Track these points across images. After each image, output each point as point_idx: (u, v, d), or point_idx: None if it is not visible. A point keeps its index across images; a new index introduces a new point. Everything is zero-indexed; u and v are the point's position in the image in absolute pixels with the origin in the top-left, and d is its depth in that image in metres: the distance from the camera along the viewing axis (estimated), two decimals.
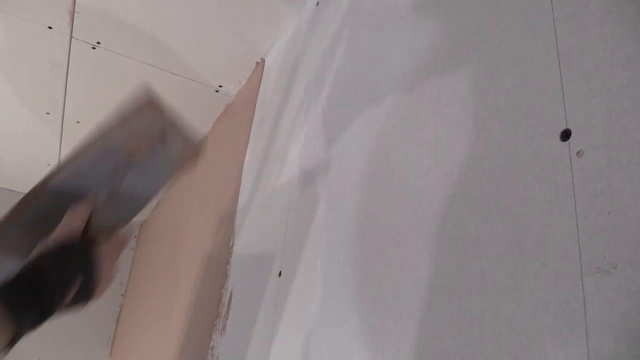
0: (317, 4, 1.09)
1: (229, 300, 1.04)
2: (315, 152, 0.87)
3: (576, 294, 0.38)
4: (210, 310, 1.12)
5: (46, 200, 0.58)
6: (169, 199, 1.99)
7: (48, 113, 1.63)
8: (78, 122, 1.66)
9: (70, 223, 0.59)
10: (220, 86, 1.45)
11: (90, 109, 1.58)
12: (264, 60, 1.33)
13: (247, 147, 1.24)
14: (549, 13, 0.49)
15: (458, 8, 0.62)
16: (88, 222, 0.59)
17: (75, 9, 1.23)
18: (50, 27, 1.28)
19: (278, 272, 0.85)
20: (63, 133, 1.72)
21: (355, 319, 0.61)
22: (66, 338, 2.11)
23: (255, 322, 0.88)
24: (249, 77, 1.40)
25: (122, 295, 2.25)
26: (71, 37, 1.31)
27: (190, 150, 0.61)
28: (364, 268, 0.63)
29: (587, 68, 0.43)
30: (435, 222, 0.54)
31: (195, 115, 1.58)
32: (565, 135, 0.43)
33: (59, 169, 0.58)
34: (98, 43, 1.33)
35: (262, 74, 1.32)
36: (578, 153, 0.42)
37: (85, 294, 0.59)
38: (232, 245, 1.13)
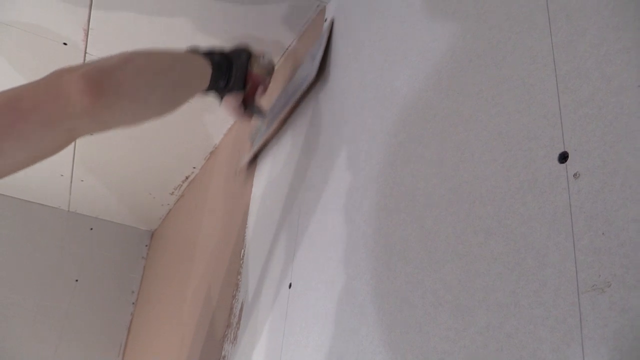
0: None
1: (240, 311, 1.06)
2: (324, 169, 0.89)
3: (573, 311, 0.40)
4: (221, 319, 1.15)
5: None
6: (180, 209, 2.02)
7: None
8: (91, 134, 1.69)
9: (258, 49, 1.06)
10: None
11: None
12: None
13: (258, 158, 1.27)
14: (548, 39, 0.51)
15: (462, 31, 0.64)
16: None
17: (90, 26, 1.26)
18: (65, 44, 1.32)
19: (288, 284, 0.87)
20: (76, 146, 1.75)
21: (364, 333, 0.64)
22: (78, 347, 2.14)
23: (266, 333, 0.90)
24: None
25: (133, 303, 2.28)
26: (85, 52, 1.35)
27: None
28: (372, 283, 0.66)
29: (583, 94, 0.46)
30: (440, 238, 0.57)
31: (206, 126, 1.62)
32: (563, 157, 0.46)
33: None
34: None
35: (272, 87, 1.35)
36: (575, 175, 0.44)
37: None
38: (243, 256, 1.16)
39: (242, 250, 1.17)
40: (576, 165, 0.44)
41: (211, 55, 0.95)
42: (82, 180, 1.99)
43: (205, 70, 0.92)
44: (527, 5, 0.55)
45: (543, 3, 0.53)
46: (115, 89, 0.75)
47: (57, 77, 0.73)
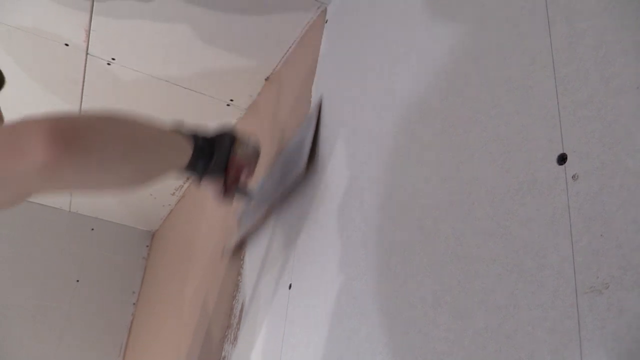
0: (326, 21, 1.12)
1: (240, 311, 1.07)
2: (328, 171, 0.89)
3: (571, 312, 0.40)
4: (221, 320, 1.15)
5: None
6: (181, 210, 2.02)
7: None
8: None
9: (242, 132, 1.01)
10: (232, 100, 1.48)
11: None
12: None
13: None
14: (548, 41, 0.51)
15: (462, 34, 0.64)
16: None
17: (92, 27, 1.27)
18: (66, 44, 1.32)
19: (288, 285, 0.87)
20: None
21: (364, 333, 0.64)
22: (78, 347, 2.14)
23: (266, 334, 0.90)
24: (259, 91, 1.43)
25: (134, 304, 2.28)
26: (87, 53, 1.35)
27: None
28: (372, 283, 0.66)
29: (582, 96, 0.46)
30: (439, 240, 0.57)
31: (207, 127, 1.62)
32: (562, 159, 0.46)
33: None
34: (113, 59, 1.37)
35: (272, 89, 1.35)
36: (574, 177, 0.44)
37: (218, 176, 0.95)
38: (243, 257, 1.16)
39: (243, 251, 1.17)
40: (575, 166, 0.44)
41: (195, 137, 0.91)
42: None
43: (185, 154, 0.88)
44: (527, 7, 0.55)
45: (542, 5, 0.53)
46: (85, 149, 0.66)
47: (22, 125, 0.65)
